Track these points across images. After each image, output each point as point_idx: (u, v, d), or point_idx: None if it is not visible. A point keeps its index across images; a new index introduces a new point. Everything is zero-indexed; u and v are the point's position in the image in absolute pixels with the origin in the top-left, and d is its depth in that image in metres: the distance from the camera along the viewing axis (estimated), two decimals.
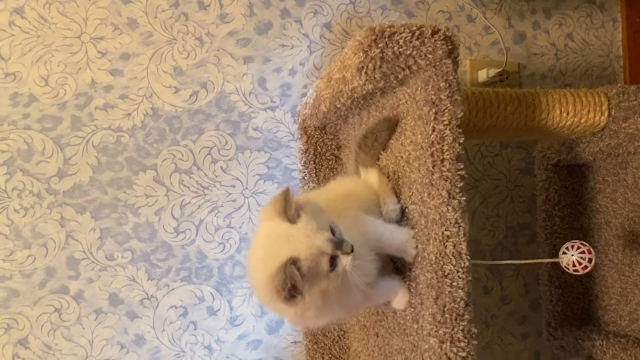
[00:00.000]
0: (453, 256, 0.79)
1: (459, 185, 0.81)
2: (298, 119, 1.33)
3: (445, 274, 0.79)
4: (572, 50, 1.71)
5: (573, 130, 1.17)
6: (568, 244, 0.93)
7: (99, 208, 1.36)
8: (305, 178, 1.28)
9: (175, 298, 1.39)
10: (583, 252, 0.91)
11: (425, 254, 0.83)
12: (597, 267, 1.35)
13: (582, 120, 1.15)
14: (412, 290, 0.88)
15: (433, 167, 0.81)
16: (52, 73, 1.36)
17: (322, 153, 1.29)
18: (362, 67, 0.82)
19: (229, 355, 1.41)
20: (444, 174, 0.81)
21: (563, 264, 0.93)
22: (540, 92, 1.14)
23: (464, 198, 0.81)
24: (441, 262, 0.80)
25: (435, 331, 0.80)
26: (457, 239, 0.80)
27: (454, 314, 0.79)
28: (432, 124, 0.82)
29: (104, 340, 1.35)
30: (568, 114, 1.14)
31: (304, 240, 0.77)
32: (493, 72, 1.57)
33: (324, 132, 1.28)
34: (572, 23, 1.72)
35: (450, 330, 0.78)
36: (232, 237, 1.43)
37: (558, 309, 1.36)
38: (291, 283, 0.75)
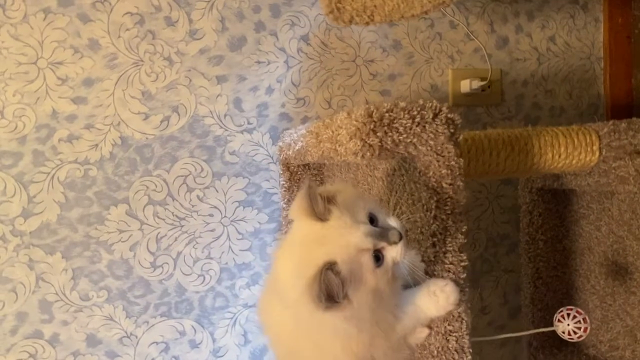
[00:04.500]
0: (456, 351, 0.78)
1: (462, 277, 0.78)
2: (280, 156, 1.26)
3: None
4: (553, 54, 1.67)
5: (564, 170, 1.15)
6: (564, 311, 0.92)
7: (70, 247, 1.29)
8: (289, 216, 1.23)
9: (156, 334, 1.35)
10: (579, 322, 0.90)
11: (426, 344, 0.80)
12: (579, 291, 1.37)
13: (574, 162, 1.13)
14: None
15: (435, 258, 0.78)
16: (8, 104, 1.24)
17: None
18: (359, 153, 0.77)
19: None
20: (446, 266, 0.77)
21: (559, 332, 0.92)
22: (532, 133, 1.10)
23: (467, 289, 0.78)
24: (443, 357, 0.78)
25: None
26: (460, 333, 0.78)
27: None
28: (433, 212, 0.78)
29: None
30: (560, 156, 1.11)
31: (338, 240, 0.70)
32: (477, 84, 1.52)
33: (307, 168, 1.22)
34: (554, 25, 1.67)
35: None
36: (212, 269, 1.38)
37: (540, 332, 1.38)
38: (327, 291, 0.67)
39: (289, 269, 0.74)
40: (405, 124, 0.75)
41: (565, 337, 0.91)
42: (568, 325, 0.90)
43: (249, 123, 1.40)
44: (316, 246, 0.71)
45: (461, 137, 0.80)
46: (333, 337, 0.77)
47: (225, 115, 1.38)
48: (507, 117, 1.62)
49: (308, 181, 0.73)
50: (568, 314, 0.91)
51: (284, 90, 1.43)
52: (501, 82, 1.62)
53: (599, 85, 1.73)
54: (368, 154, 0.76)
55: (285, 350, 0.91)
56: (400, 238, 0.71)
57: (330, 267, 0.68)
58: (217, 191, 1.38)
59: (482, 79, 1.54)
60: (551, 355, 1.35)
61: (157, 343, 1.35)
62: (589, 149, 1.13)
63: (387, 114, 0.75)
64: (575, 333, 0.90)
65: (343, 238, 0.70)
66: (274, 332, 0.90)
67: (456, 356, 0.77)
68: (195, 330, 1.38)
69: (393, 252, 0.72)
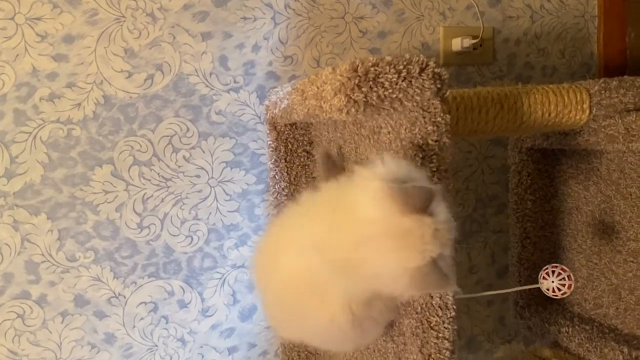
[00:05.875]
0: (439, 307, 0.78)
1: None
2: (266, 115, 1.24)
3: (432, 325, 0.78)
4: (547, 12, 1.64)
5: (554, 128, 1.13)
6: (549, 268, 0.92)
7: (55, 208, 1.27)
8: (276, 177, 1.22)
9: (144, 294, 1.35)
10: (563, 279, 0.90)
11: (410, 301, 0.81)
12: (565, 250, 1.38)
13: (564, 120, 1.11)
14: (395, 327, 0.87)
15: None
16: None
17: (294, 150, 1.22)
18: (343, 109, 0.75)
19: (202, 345, 1.41)
20: None
21: (543, 289, 0.93)
22: (522, 92, 1.09)
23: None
24: (427, 313, 0.78)
25: None
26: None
27: None
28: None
29: (73, 341, 1.31)
30: (550, 114, 1.09)
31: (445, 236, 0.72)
32: (468, 42, 1.49)
33: (294, 127, 1.20)
34: None
35: None
36: (199, 229, 1.37)
37: (526, 289, 1.39)
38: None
39: (385, 249, 0.72)
40: (391, 78, 0.73)
41: (550, 294, 0.92)
42: (552, 282, 0.91)
43: (235, 82, 1.37)
44: (420, 243, 0.70)
45: (449, 93, 0.78)
46: (337, 295, 0.79)
47: (210, 74, 1.35)
48: (498, 76, 1.60)
49: (431, 189, 0.71)
50: (553, 271, 0.92)
51: (271, 48, 1.39)
52: (493, 41, 1.59)
53: (593, 44, 1.70)
54: (353, 110, 0.74)
55: (283, 302, 0.90)
56: None
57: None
58: (203, 152, 1.36)
59: (474, 37, 1.51)
60: (537, 313, 1.37)
61: (145, 303, 1.36)
62: (579, 107, 1.11)
63: (372, 68, 0.73)
64: (559, 290, 0.91)
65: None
66: (276, 285, 0.89)
67: (440, 312, 0.77)
68: (183, 291, 1.38)
69: None
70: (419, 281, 0.70)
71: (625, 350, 1.12)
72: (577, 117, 1.12)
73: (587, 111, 1.12)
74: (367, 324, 0.84)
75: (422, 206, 0.70)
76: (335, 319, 0.81)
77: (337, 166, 0.96)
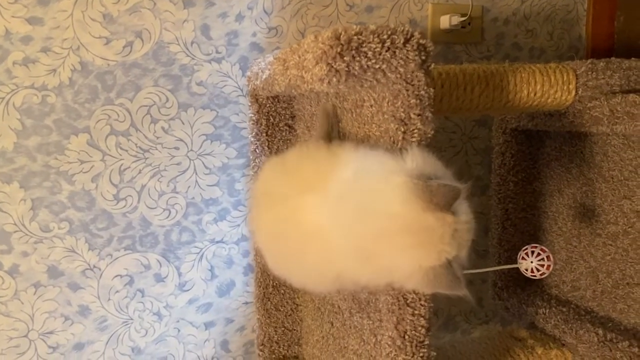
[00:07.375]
0: None
1: None
2: (248, 86, 1.21)
3: (408, 302, 0.77)
4: None
5: (539, 108, 1.12)
6: (528, 249, 0.92)
7: (28, 177, 1.24)
8: (257, 151, 1.19)
9: (120, 267, 1.33)
10: (542, 259, 0.90)
11: None
12: (546, 233, 1.37)
13: (549, 100, 1.10)
14: (371, 304, 0.86)
15: None
16: None
17: (275, 123, 1.19)
18: (325, 79, 0.72)
19: (179, 319, 1.39)
20: None
21: (522, 269, 0.92)
22: (509, 70, 1.07)
23: None
24: (403, 289, 0.77)
25: (395, 355, 0.79)
26: None
27: (415, 341, 0.78)
28: (400, 144, 0.75)
29: (46, 313, 1.29)
30: (535, 94, 1.08)
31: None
32: (456, 20, 1.47)
33: (276, 100, 1.17)
34: None
35: (410, 357, 0.78)
36: (177, 203, 1.35)
37: (505, 270, 1.39)
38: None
39: (403, 247, 0.72)
40: (375, 48, 0.70)
41: (528, 274, 0.91)
42: (531, 262, 0.90)
43: (217, 52, 1.34)
44: (439, 242, 0.71)
45: (432, 66, 0.76)
46: (342, 266, 0.78)
47: (192, 43, 1.31)
48: (486, 56, 1.58)
49: (452, 187, 0.71)
50: (532, 252, 0.91)
51: (255, 18, 1.35)
52: (482, 20, 1.56)
53: (581, 26, 1.69)
54: (334, 79, 0.72)
55: (293, 239, 0.86)
56: None
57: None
58: (183, 123, 1.33)
59: (463, 15, 1.48)
60: (515, 294, 1.37)
61: (121, 276, 1.33)
62: (565, 88, 1.10)
63: (355, 37, 0.70)
64: (538, 270, 0.90)
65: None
66: (296, 223, 0.85)
67: (416, 289, 0.76)
68: (160, 264, 1.36)
69: None
70: (431, 281, 0.72)
71: (600, 332, 1.13)
72: (563, 97, 1.10)
73: (573, 92, 1.10)
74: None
75: (446, 204, 0.70)
76: (330, 278, 0.81)
77: (332, 126, 0.93)
